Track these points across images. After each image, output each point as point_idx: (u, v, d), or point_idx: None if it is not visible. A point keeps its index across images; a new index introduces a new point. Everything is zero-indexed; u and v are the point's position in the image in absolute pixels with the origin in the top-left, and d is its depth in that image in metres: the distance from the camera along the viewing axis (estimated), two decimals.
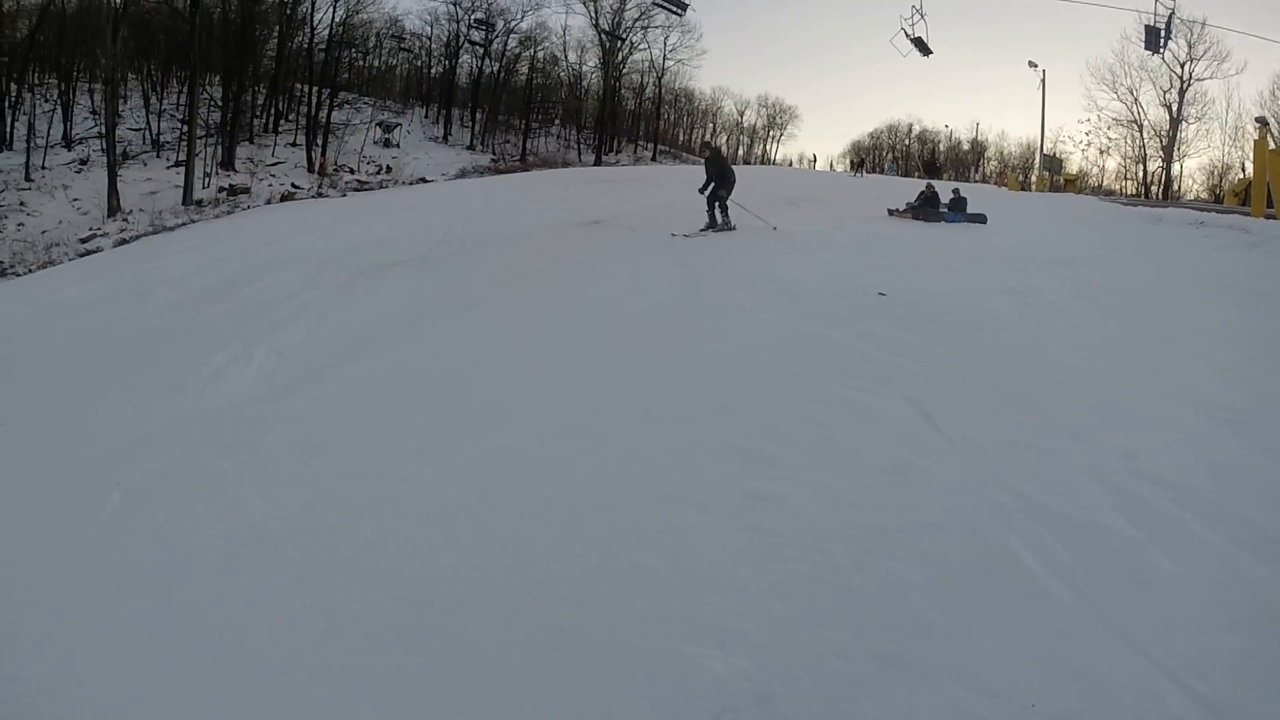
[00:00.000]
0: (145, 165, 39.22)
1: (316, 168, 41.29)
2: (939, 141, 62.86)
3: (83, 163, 38.48)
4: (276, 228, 23.20)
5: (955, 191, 19.49)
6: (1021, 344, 7.43)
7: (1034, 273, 10.63)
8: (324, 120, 43.25)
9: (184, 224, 32.62)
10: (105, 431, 7.58)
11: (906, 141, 63.62)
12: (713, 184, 15.49)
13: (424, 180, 41.18)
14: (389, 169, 42.96)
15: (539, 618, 3.71)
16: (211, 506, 5.46)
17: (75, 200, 35.38)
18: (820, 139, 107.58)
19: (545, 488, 4.97)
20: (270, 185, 38.57)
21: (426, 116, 51.69)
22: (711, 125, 64.19)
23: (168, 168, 38.94)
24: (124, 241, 30.60)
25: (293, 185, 38.92)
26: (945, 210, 18.49)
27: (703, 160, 16.71)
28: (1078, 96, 71.81)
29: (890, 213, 18.87)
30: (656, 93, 56.59)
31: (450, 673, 3.45)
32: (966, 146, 62.29)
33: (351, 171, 42.11)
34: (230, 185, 37.44)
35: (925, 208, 18.63)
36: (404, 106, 51.89)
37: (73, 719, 3.59)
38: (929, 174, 52.99)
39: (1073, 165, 48.29)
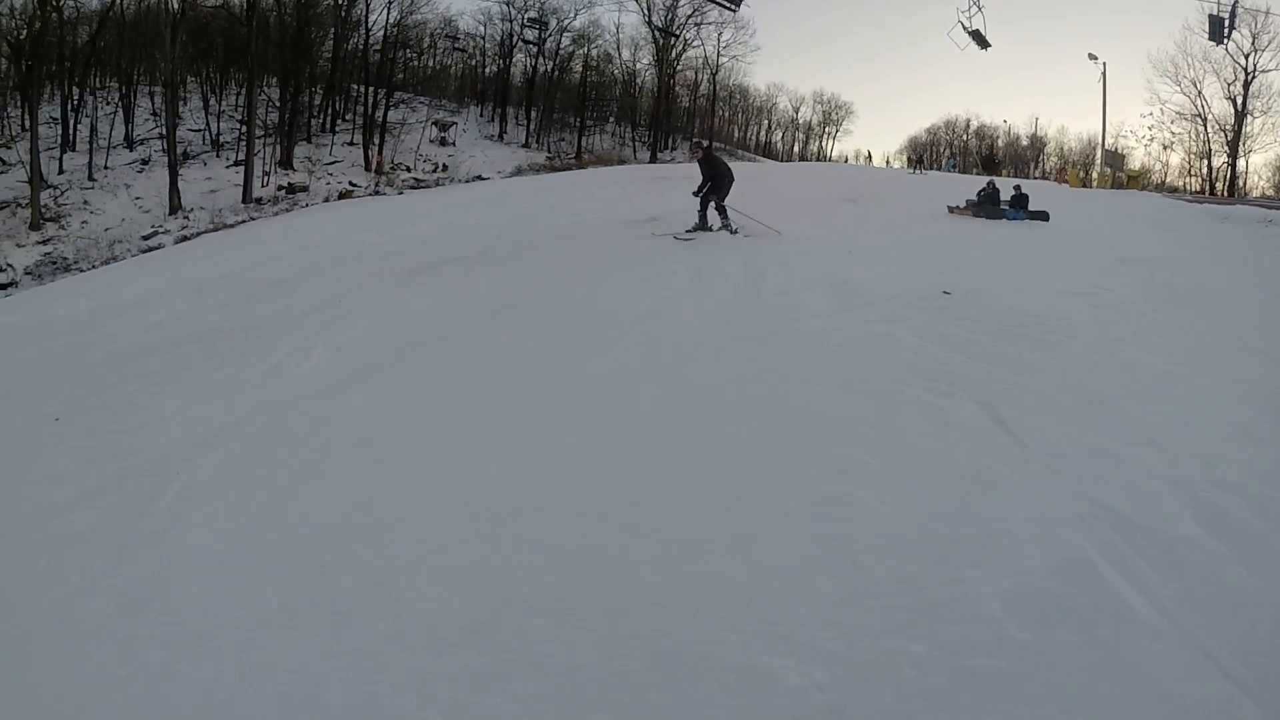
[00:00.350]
0: (205, 165, 40.12)
1: (374, 166, 41.82)
2: (997, 137, 62.04)
3: (144, 163, 39.59)
4: (335, 225, 23.41)
5: (1017, 188, 19.09)
6: (1093, 346, 7.20)
7: (1102, 273, 10.36)
8: (380, 120, 43.76)
9: (243, 221, 33.26)
10: (164, 425, 7.63)
11: (964, 137, 62.85)
12: (708, 184, 14.67)
13: (480, 178, 41.49)
14: (445, 167, 43.42)
15: (610, 623, 3.63)
16: (273, 501, 5.47)
17: (137, 199, 36.39)
18: (877, 135, 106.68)
19: (615, 489, 4.89)
20: (328, 183, 39.19)
21: (482, 115, 52.12)
22: (766, 122, 64.03)
23: (227, 167, 39.83)
24: (185, 238, 31.29)
25: (350, 183, 39.49)
26: (1007, 207, 18.14)
27: (695, 161, 15.71)
28: (1139, 90, 70.36)
29: (950, 210, 18.60)
30: (711, 89, 56.50)
31: (518, 677, 3.39)
32: (1026, 142, 61.43)
33: (408, 170, 42.57)
34: (289, 184, 38.15)
35: (986, 205, 18.33)
36: (459, 105, 52.36)
37: (130, 709, 3.60)
38: (987, 170, 52.13)
39: (1135, 161, 47.18)
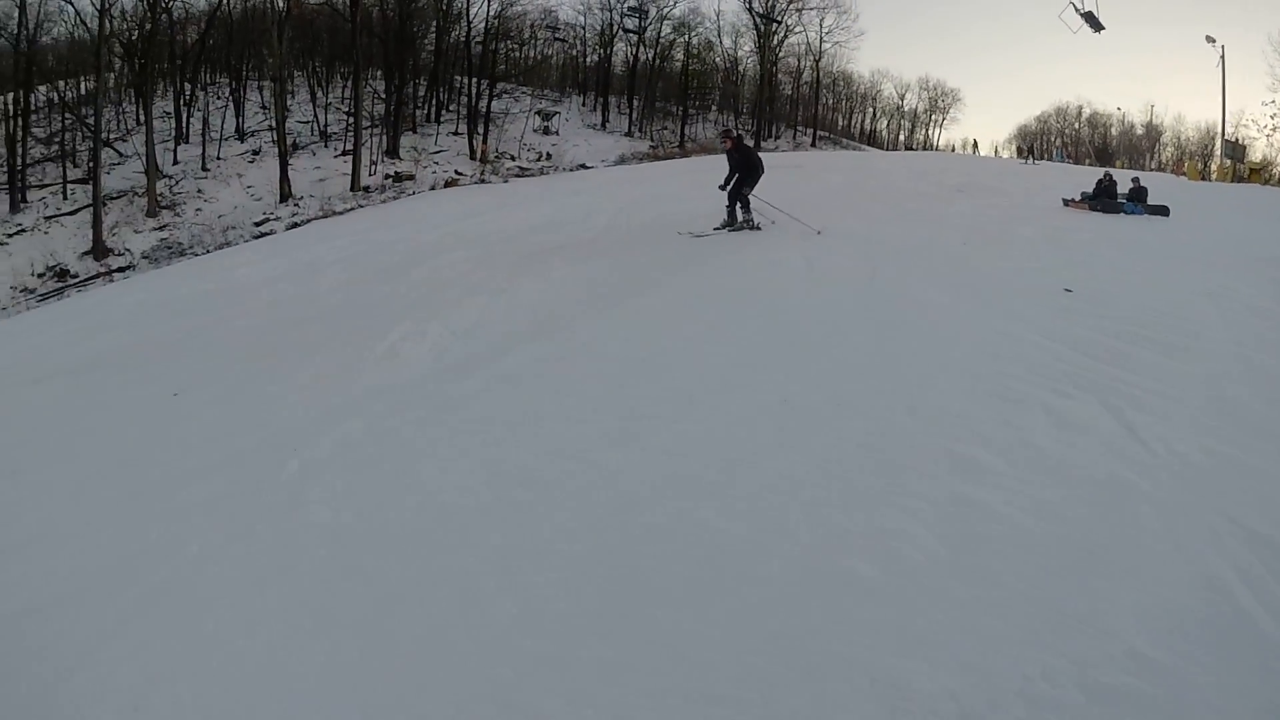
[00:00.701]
0: (314, 155, 41.21)
1: (479, 155, 42.23)
2: (1110, 125, 60.03)
3: (255, 153, 40.93)
4: (443, 211, 23.69)
5: (1135, 181, 18.41)
6: (1223, 350, 6.91)
7: (1230, 272, 9.90)
8: (484, 110, 44.16)
9: (352, 209, 34.04)
10: (282, 403, 7.83)
11: (1076, 125, 60.95)
12: (736, 177, 13.86)
13: (584, 166, 41.62)
14: (549, 156, 43.66)
15: (740, 617, 3.59)
16: (394, 479, 5.54)
17: (249, 187, 37.62)
18: (984, 123, 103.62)
19: (744, 481, 4.85)
20: (434, 172, 39.79)
21: (584, 104, 52.21)
22: (871, 109, 62.93)
23: (335, 156, 40.81)
24: (295, 225, 32.20)
25: (456, 172, 40.02)
26: (1124, 201, 17.48)
27: (724, 151, 14.74)
28: (1260, 75, 66.96)
29: (1065, 203, 18.00)
30: (814, 76, 55.63)
31: (646, 668, 3.37)
32: (1140, 131, 59.26)
33: (513, 159, 42.95)
34: (396, 172, 38.86)
35: (1103, 198, 17.71)
36: (561, 95, 52.53)
37: (250, 681, 3.67)
38: (1100, 161, 50.44)
39: (1256, 152, 44.90)
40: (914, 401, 5.76)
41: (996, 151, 59.43)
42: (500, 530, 4.63)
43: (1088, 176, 21.43)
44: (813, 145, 52.86)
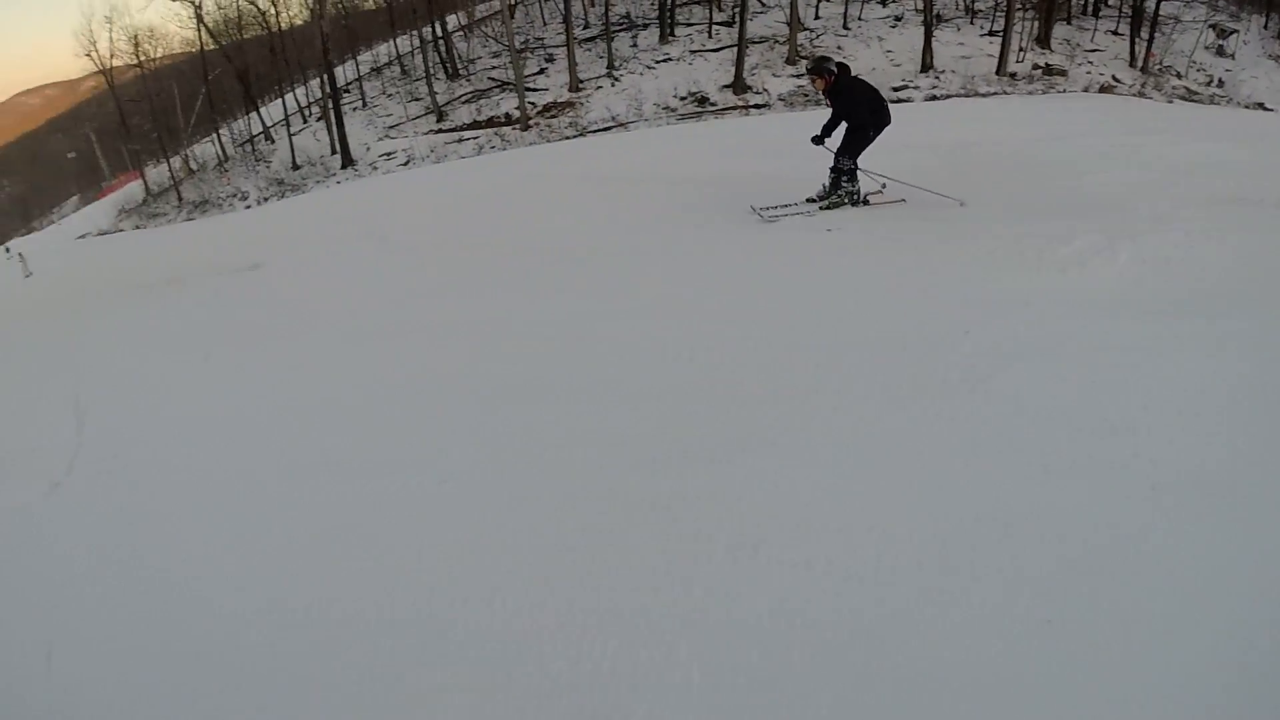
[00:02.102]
0: (958, 30, 40.99)
1: (1140, 63, 38.13)
2: None
3: (897, 19, 42.15)
4: (1084, 119, 21.71)
5: None
6: None
7: None
8: (1150, 10, 39.72)
9: (996, 94, 33.41)
10: (949, 267, 7.85)
11: None
12: (842, 125, 9.87)
13: (1262, 107, 34.73)
14: (1220, 82, 37.80)
15: None
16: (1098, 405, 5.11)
17: (889, 52, 38.99)
18: None
19: None
20: (1088, 72, 36.93)
21: (1266, 27, 44.31)
22: None
23: (981, 35, 40.22)
24: (934, 98, 32.28)
25: (1113, 77, 36.62)
26: None
27: (819, 90, 10.23)
28: None
29: None
30: None
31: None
32: None
33: (1179, 76, 38.15)
34: (1046, 64, 37.14)
35: None
36: (1241, 9, 44.95)
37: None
38: None
39: None
40: None
41: None
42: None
43: None
44: None
